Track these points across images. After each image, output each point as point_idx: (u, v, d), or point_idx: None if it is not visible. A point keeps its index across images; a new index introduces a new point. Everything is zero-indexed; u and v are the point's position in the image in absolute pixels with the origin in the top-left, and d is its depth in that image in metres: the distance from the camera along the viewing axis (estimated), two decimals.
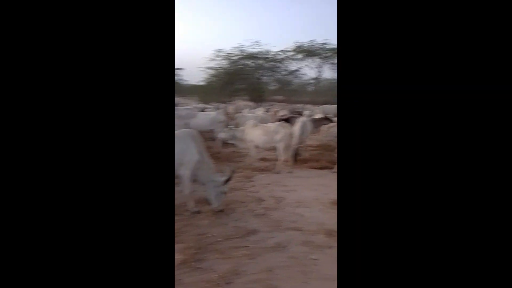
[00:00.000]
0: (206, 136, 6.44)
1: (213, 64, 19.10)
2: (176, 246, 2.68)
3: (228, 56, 18.65)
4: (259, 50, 18.46)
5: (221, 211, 3.42)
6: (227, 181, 3.42)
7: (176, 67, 25.32)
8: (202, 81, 20.99)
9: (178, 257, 2.49)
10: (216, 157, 5.65)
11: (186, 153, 3.31)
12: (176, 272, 2.28)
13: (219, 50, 18.66)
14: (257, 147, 5.66)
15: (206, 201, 3.77)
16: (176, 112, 7.20)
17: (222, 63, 18.94)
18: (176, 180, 3.56)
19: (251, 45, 18.24)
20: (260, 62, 19.23)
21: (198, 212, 3.45)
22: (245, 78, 18.55)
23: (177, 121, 5.85)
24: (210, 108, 10.86)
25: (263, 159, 6.03)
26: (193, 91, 24.82)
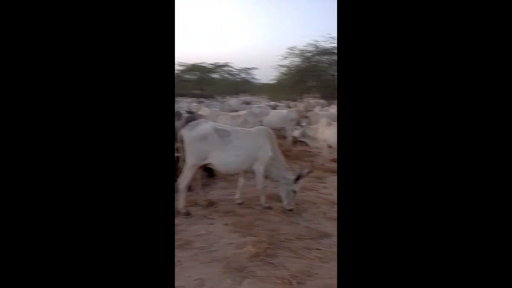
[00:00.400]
0: (277, 134, 6.51)
1: (286, 62, 19.12)
2: (249, 239, 2.80)
3: (301, 53, 18.37)
4: (334, 45, 17.62)
5: (291, 210, 3.41)
6: (297, 179, 3.40)
7: (248, 66, 26.28)
8: (273, 79, 21.30)
9: (250, 249, 2.59)
10: (286, 155, 5.65)
11: (261, 149, 3.40)
12: (248, 264, 2.38)
13: (292, 48, 18.56)
14: (330, 146, 5.44)
15: (276, 198, 3.82)
16: (249, 110, 7.53)
17: (295, 61, 18.79)
18: (249, 175, 3.71)
19: (326, 41, 17.57)
20: (335, 57, 18.37)
21: (270, 207, 3.51)
22: (318, 75, 17.99)
23: (251, 119, 6.11)
24: (281, 106, 10.94)
25: (336, 160, 5.76)
26: (264, 89, 25.46)
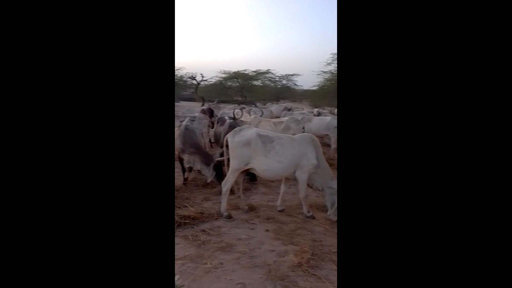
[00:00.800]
0: (320, 141, 6.32)
1: (330, 68, 18.69)
2: (290, 247, 2.72)
3: None
4: None
5: (335, 221, 3.26)
6: None
7: (289, 72, 26.19)
8: (315, 85, 20.92)
9: (293, 258, 2.52)
10: (330, 163, 5.44)
11: (304, 157, 3.33)
12: (291, 274, 2.31)
13: (335, 54, 18.09)
14: None
15: (319, 208, 3.69)
16: (291, 116, 7.47)
17: None
18: (290, 182, 3.65)
19: None
20: None
21: (313, 217, 3.40)
22: None
23: (293, 125, 6.04)
24: (324, 112, 10.66)
25: None
26: (306, 95, 25.10)
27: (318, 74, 19.76)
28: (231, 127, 4.75)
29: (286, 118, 6.60)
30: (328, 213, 3.33)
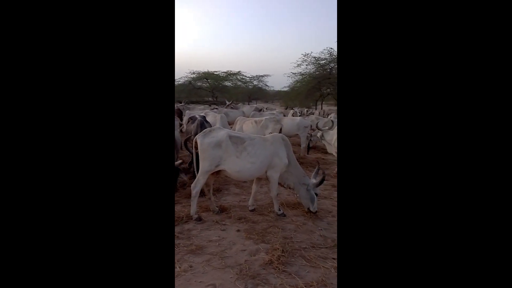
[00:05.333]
0: (291, 141, 6.46)
1: (300, 69, 19.15)
2: (262, 246, 2.74)
3: (316, 60, 18.36)
4: None
5: (315, 212, 3.43)
6: (320, 183, 3.40)
7: (261, 73, 26.44)
8: (286, 86, 21.33)
9: (264, 256, 2.54)
10: (301, 162, 5.58)
11: (276, 156, 3.37)
12: (262, 272, 2.33)
13: (306, 55, 18.58)
14: None
15: (290, 205, 3.76)
16: (271, 116, 7.54)
17: (309, 68, 18.77)
18: (262, 182, 3.68)
19: None
20: None
21: (284, 215, 3.45)
22: (333, 82, 17.88)
23: (271, 125, 6.13)
24: (295, 112, 10.90)
25: None
26: (277, 96, 25.49)
27: (288, 76, 20.15)
28: (201, 125, 4.68)
29: (266, 117, 6.67)
30: (310, 208, 3.42)
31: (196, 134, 4.56)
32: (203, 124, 4.79)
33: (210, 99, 23.47)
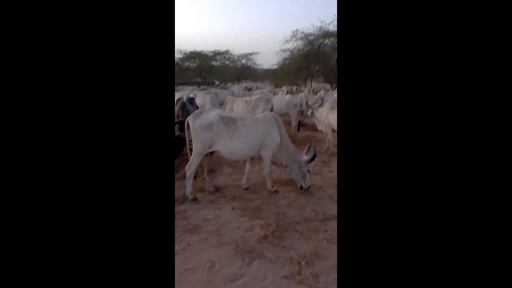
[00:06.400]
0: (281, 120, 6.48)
1: (289, 46, 18.72)
2: (257, 222, 2.84)
3: (305, 37, 17.93)
4: None
5: (308, 188, 3.54)
6: (312, 159, 3.49)
7: (249, 51, 25.77)
8: (275, 64, 20.95)
9: (259, 232, 2.64)
10: (291, 140, 5.65)
11: (268, 136, 3.39)
12: (257, 246, 2.43)
13: (296, 31, 18.11)
14: (334, 131, 5.41)
15: (283, 183, 3.85)
16: (250, 96, 7.48)
17: (298, 44, 18.36)
18: (255, 161, 3.73)
19: (330, 23, 17.05)
20: None
21: (277, 192, 3.55)
22: (322, 59, 17.63)
23: (262, 104, 6.11)
24: (283, 91, 10.83)
25: None
26: (267, 75, 25.10)
27: (277, 54, 19.71)
28: (182, 107, 4.59)
29: (256, 96, 6.62)
30: (302, 184, 3.52)
31: (178, 117, 4.51)
32: (185, 106, 4.67)
33: (198, 79, 22.93)
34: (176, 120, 4.36)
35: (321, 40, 17.57)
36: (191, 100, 5.18)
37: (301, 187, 3.54)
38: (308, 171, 3.55)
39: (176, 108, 4.63)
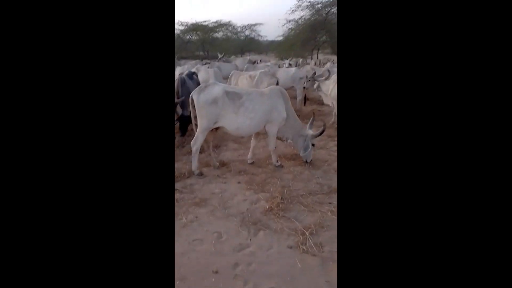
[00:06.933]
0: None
1: (294, 16, 17.89)
2: (262, 195, 2.90)
3: (312, 5, 17.03)
4: None
5: (310, 161, 3.58)
6: (320, 134, 3.48)
7: (252, 22, 24.69)
8: (280, 35, 20.18)
9: (264, 205, 2.71)
10: (297, 115, 5.58)
11: (275, 110, 3.34)
12: (263, 218, 2.50)
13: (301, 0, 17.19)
14: None
15: (288, 157, 3.87)
16: (254, 70, 7.27)
17: (305, 13, 17.51)
18: (260, 136, 3.73)
19: None
20: None
21: (281, 166, 3.58)
22: (329, 29, 16.86)
23: (266, 79, 5.97)
24: (287, 63, 10.52)
25: None
26: (271, 47, 24.28)
27: (283, 25, 18.88)
28: (182, 84, 4.51)
29: (260, 71, 6.46)
30: (305, 158, 3.55)
31: (177, 93, 4.44)
32: (185, 83, 4.55)
33: (201, 53, 22.35)
34: (176, 100, 4.29)
35: (328, 9, 16.70)
36: (192, 75, 5.07)
37: (306, 161, 3.56)
38: (313, 145, 3.55)
39: (176, 84, 4.54)
